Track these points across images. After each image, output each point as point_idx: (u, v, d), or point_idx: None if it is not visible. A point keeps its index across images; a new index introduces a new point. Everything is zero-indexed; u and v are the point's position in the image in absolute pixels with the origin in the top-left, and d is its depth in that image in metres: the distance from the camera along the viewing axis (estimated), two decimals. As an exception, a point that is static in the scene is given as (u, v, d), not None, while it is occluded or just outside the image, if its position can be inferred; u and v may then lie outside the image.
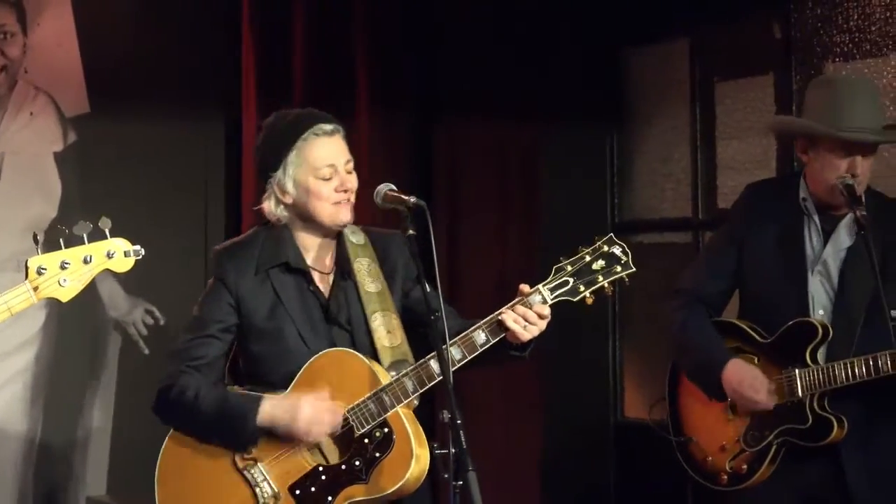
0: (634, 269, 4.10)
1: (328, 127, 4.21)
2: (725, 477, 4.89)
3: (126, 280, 6.18)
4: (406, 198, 4.03)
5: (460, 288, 6.85)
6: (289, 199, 4.20)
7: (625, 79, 7.45)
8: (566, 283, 4.07)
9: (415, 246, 4.00)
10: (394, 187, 4.12)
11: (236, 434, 4.11)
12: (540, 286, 4.07)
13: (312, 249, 4.27)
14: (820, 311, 4.79)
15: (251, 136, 6.41)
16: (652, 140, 7.31)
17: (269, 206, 4.25)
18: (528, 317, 4.04)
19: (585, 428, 7.23)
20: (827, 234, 4.81)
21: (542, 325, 4.06)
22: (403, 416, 4.08)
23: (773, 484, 4.82)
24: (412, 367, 4.09)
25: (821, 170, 4.77)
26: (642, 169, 7.36)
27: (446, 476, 3.81)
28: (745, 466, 4.85)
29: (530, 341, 4.09)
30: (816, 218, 4.82)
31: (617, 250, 4.09)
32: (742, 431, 4.86)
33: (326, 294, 4.26)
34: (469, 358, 4.05)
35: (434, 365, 4.02)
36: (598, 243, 4.10)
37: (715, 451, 4.94)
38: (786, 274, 4.82)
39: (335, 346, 4.16)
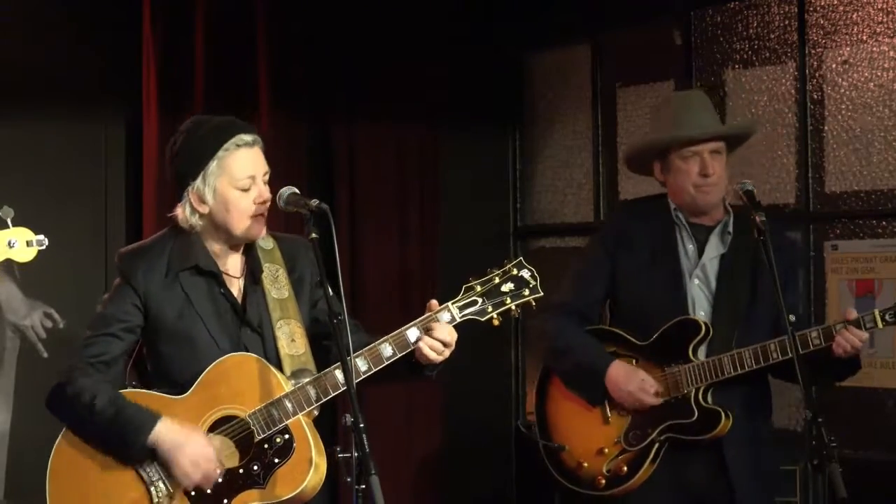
0: (542, 294, 4.16)
1: (249, 138, 4.17)
2: (603, 480, 4.92)
3: (24, 283, 6.11)
4: (308, 201, 4.02)
5: (363, 289, 6.84)
6: (205, 209, 4.16)
7: (527, 83, 7.50)
8: (475, 302, 4.13)
9: (318, 249, 4.00)
10: (296, 190, 4.12)
11: (126, 447, 4.05)
12: (449, 304, 4.11)
13: (223, 255, 4.24)
14: (701, 312, 4.89)
15: (152, 139, 6.36)
16: (554, 144, 7.36)
17: (183, 213, 4.19)
18: (433, 346, 4.07)
19: (487, 431, 7.26)
20: (700, 244, 4.93)
21: (447, 353, 4.12)
22: (305, 424, 4.07)
23: (659, 484, 4.87)
24: (316, 375, 4.09)
25: (675, 181, 4.91)
26: (544, 173, 7.41)
27: (349, 480, 3.80)
28: (625, 467, 4.88)
29: (438, 363, 4.16)
30: (688, 228, 4.94)
31: (526, 274, 4.15)
32: (622, 432, 4.91)
33: (238, 297, 4.24)
34: (374, 370, 4.07)
35: (338, 374, 4.04)
36: (508, 266, 4.16)
37: (591, 455, 4.96)
38: (663, 283, 4.92)
39: (246, 348, 4.15)
